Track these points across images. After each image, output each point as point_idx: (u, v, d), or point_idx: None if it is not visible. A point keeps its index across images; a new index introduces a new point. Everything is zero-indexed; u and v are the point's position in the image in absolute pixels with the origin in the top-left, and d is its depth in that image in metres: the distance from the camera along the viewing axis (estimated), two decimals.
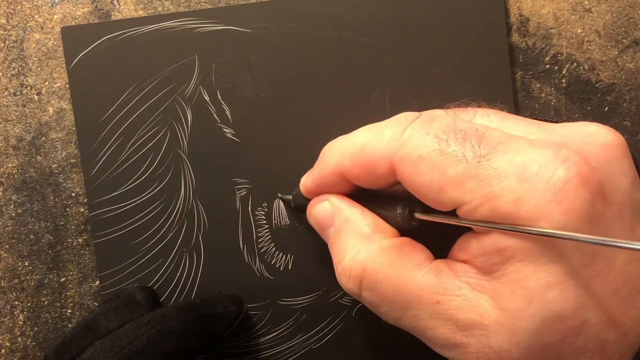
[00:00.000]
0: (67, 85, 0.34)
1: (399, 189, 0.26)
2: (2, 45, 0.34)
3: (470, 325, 0.23)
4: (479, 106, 0.27)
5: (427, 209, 0.25)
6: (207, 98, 0.33)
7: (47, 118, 0.34)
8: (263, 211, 0.33)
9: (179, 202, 0.33)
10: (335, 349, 0.32)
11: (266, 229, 0.33)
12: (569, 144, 0.23)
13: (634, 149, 0.25)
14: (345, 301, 0.33)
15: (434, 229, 0.26)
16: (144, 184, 0.33)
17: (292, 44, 0.33)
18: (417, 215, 0.26)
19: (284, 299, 0.33)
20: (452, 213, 0.24)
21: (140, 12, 0.34)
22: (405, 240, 0.26)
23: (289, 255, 0.33)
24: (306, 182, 0.30)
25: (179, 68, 0.33)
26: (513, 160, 0.22)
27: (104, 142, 0.33)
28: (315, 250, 0.33)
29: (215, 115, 0.33)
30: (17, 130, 0.34)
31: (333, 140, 0.28)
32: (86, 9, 0.34)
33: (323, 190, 0.29)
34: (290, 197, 0.32)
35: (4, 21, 0.34)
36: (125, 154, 0.33)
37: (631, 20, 0.34)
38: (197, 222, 0.33)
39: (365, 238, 0.26)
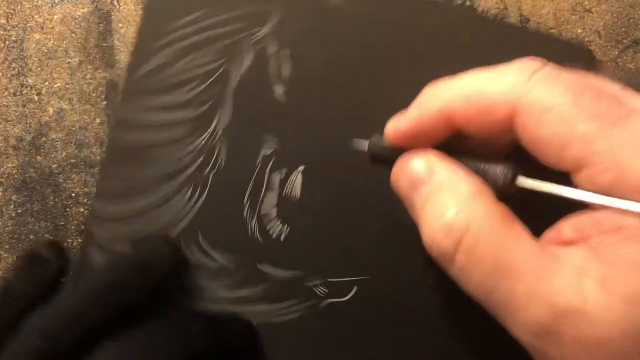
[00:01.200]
0: (67, 86, 0.34)
1: (495, 149, 0.25)
2: (2, 45, 0.34)
3: (569, 311, 0.21)
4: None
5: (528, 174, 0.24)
6: (271, 50, 0.33)
7: (47, 118, 0.34)
8: (279, 176, 0.33)
9: (205, 134, 0.33)
10: (293, 331, 0.31)
11: (275, 193, 0.33)
12: None
13: None
14: (318, 291, 0.32)
15: (526, 205, 0.24)
16: (181, 105, 0.33)
17: (380, 22, 0.33)
18: (520, 182, 0.24)
19: (262, 264, 0.32)
20: (560, 180, 0.22)
21: (141, 12, 0.34)
22: (507, 209, 0.24)
23: (285, 226, 0.32)
24: (398, 125, 0.26)
25: (254, 12, 0.33)
26: None
27: (157, 51, 0.33)
28: (311, 231, 0.32)
29: (272, 69, 0.33)
30: (17, 130, 0.34)
31: (437, 81, 0.25)
32: (86, 9, 0.34)
33: (418, 135, 0.26)
34: (366, 142, 0.28)
35: (4, 21, 0.34)
36: (174, 68, 0.33)
37: (631, 21, 0.34)
38: (214, 160, 0.33)
39: (469, 197, 0.24)
